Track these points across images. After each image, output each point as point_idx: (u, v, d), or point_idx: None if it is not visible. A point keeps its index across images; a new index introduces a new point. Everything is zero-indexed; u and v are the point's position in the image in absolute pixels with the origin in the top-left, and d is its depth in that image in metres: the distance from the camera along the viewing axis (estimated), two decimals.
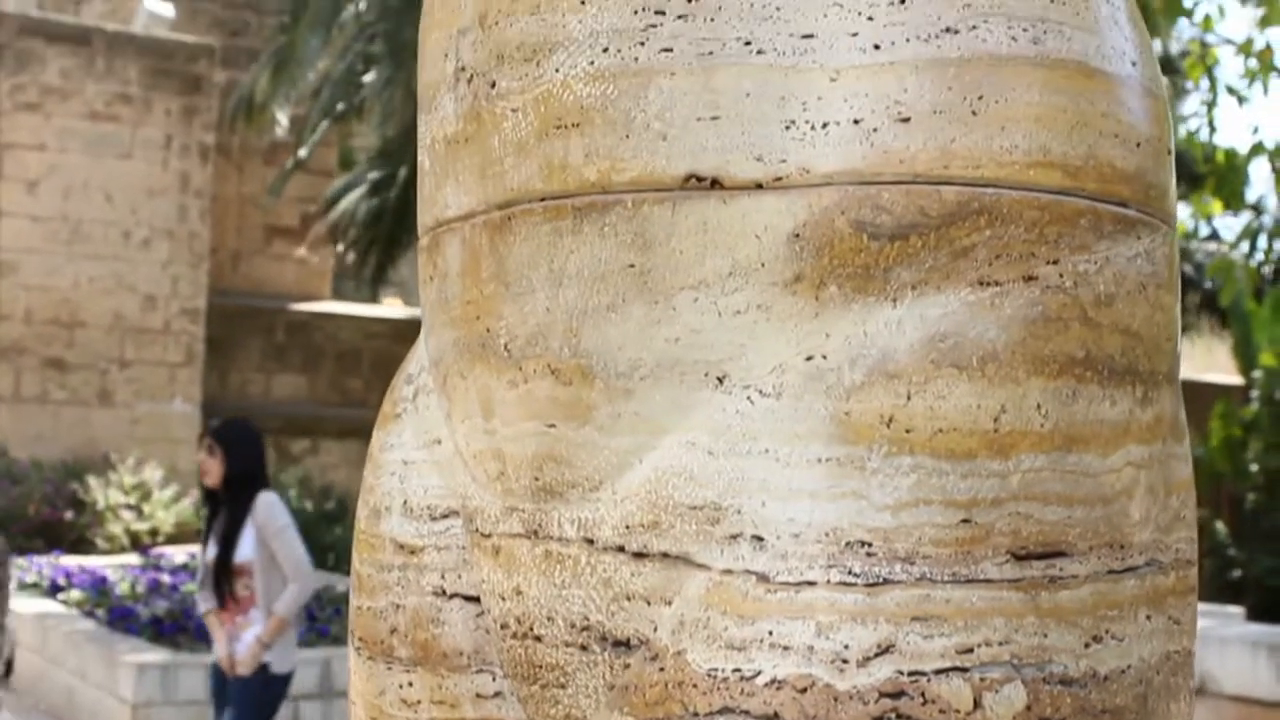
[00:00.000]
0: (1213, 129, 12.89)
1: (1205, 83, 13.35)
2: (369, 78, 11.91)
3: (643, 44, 1.19)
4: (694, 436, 1.18)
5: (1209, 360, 21.11)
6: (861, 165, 1.15)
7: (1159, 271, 1.23)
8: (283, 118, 13.69)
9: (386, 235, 13.23)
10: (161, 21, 15.53)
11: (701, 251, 1.17)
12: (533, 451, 1.27)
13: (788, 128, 1.16)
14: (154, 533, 13.51)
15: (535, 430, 1.27)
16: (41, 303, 14.68)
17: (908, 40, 1.16)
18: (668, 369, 1.19)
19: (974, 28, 1.16)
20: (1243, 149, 11.81)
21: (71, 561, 11.91)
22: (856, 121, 1.15)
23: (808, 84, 1.16)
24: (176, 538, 13.54)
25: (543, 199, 1.24)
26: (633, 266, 1.19)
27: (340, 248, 15.45)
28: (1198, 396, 14.62)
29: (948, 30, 1.16)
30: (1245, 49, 12.10)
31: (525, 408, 1.27)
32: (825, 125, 1.16)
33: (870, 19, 1.16)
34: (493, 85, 1.28)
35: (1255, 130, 14.75)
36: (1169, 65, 14.70)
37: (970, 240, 1.14)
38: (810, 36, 1.17)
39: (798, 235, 1.15)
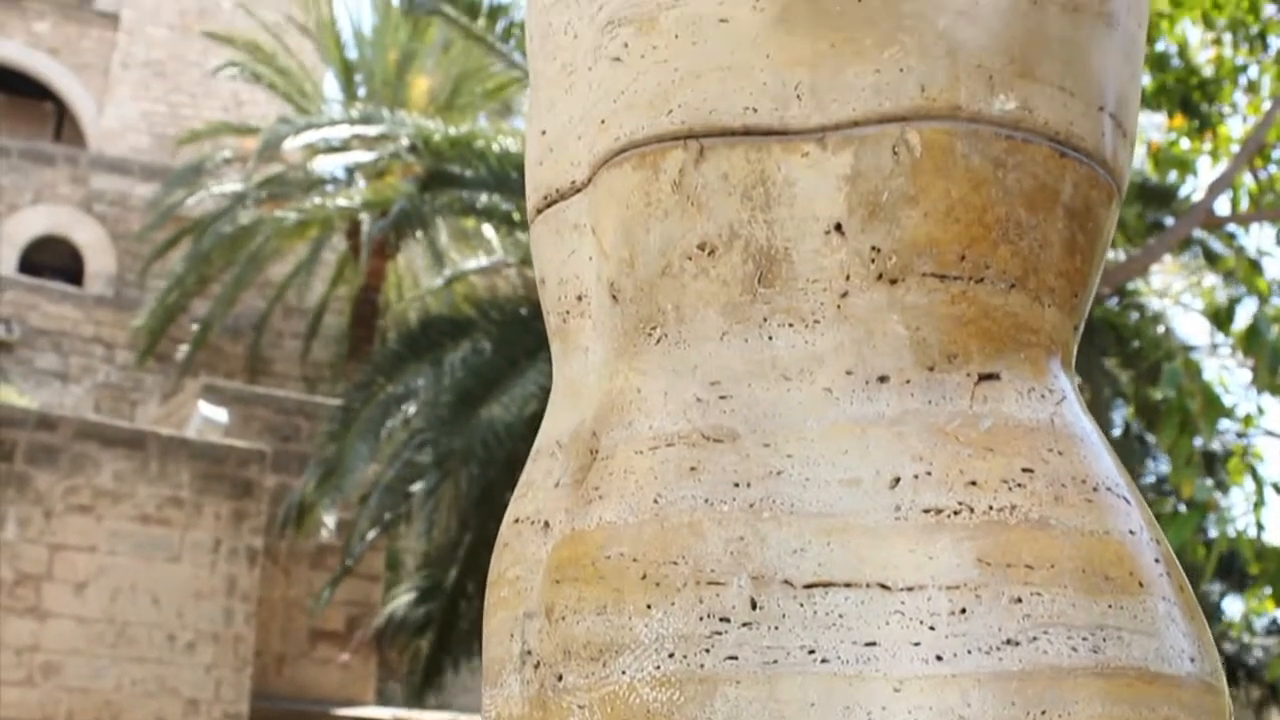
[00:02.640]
0: (1260, 527, 12.85)
1: (1250, 482, 13.38)
2: (416, 486, 12.07)
3: (708, 650, 1.21)
4: None
5: None
6: None
7: None
8: (330, 522, 13.83)
9: (433, 642, 13.19)
10: (215, 426, 15.84)
11: None
12: None
13: None
14: None
15: None
16: (83, 705, 14.56)
17: (969, 651, 1.18)
18: None
19: (1034, 639, 1.18)
20: None
21: None
22: None
23: (871, 694, 1.18)
24: None
25: None
26: None
27: (385, 653, 15.37)
28: None
29: (1009, 642, 1.18)
30: None
31: None
32: None
33: (932, 628, 1.19)
34: (559, 678, 1.30)
35: None
36: (1211, 464, 14.76)
37: None
38: (873, 644, 1.19)
39: None
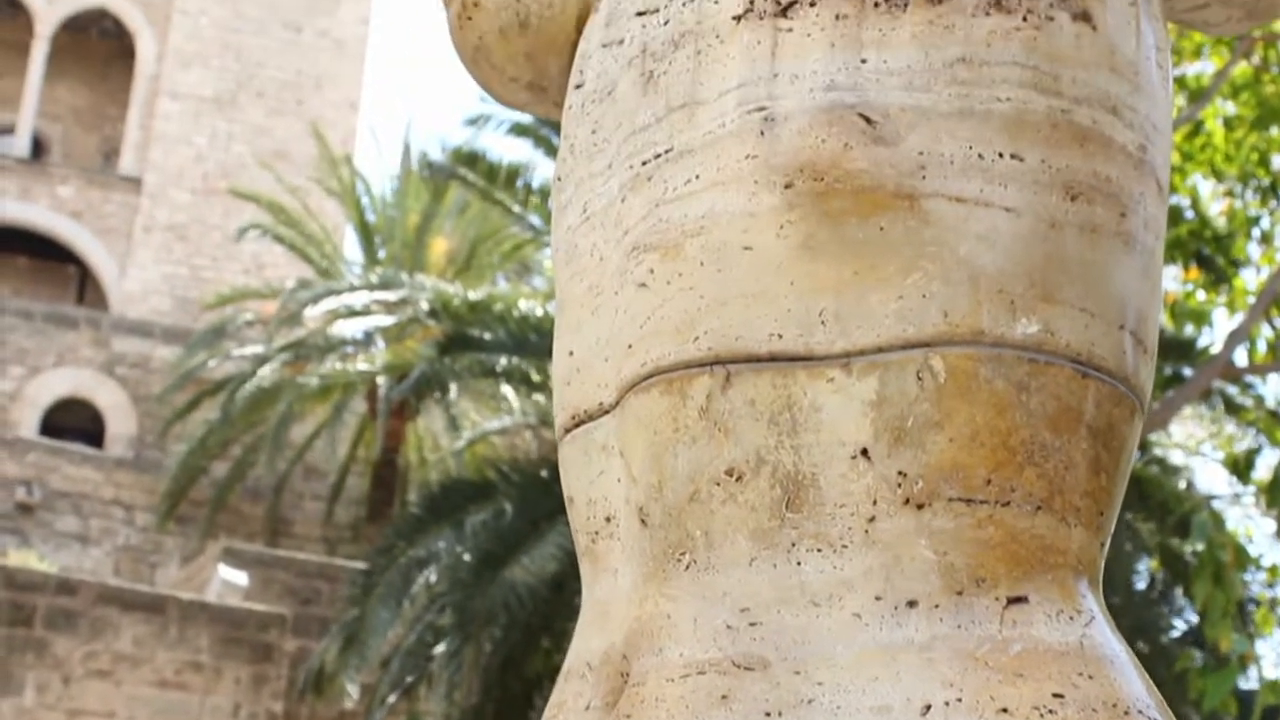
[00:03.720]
0: None
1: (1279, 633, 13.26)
2: (439, 649, 11.99)
3: None
4: None
5: None
6: None
7: None
8: (353, 690, 13.72)
9: None
10: (235, 590, 15.80)
11: None
12: None
13: None
14: None
15: None
16: None
17: None
18: None
19: None
20: None
21: None
22: None
23: None
24: None
25: None
26: None
27: None
28: None
29: None
30: None
31: None
32: None
33: None
34: None
35: None
36: (1239, 615, 14.61)
37: None
38: None
39: None
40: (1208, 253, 12.83)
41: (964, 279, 1.33)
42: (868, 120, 1.36)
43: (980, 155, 1.36)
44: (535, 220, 14.43)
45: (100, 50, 29.61)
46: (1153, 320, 1.46)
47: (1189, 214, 12.82)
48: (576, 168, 1.59)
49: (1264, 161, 12.43)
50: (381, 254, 21.07)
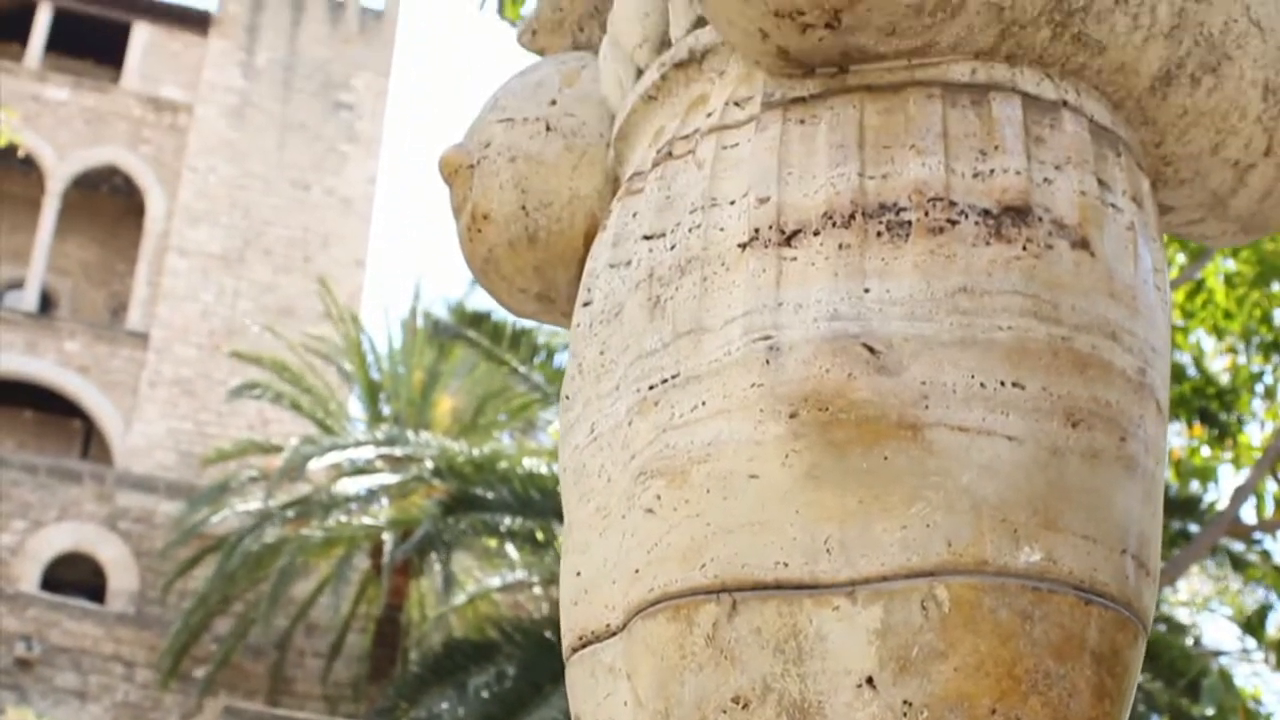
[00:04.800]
0: None
1: None
2: None
3: None
4: None
5: None
6: None
7: None
8: None
9: None
10: None
11: None
12: None
13: None
14: None
15: None
16: None
17: None
18: None
19: None
20: None
21: None
22: None
23: None
24: None
25: None
26: None
27: None
28: None
29: None
30: None
31: None
32: None
33: None
34: None
35: None
36: None
37: None
38: None
39: None
40: (1212, 409, 12.84)
41: (967, 508, 1.35)
42: (871, 350, 1.38)
43: (982, 384, 1.38)
44: (540, 379, 14.47)
45: (110, 207, 29.92)
46: (1155, 542, 1.47)
47: (1192, 371, 12.85)
48: (584, 387, 1.61)
49: (1266, 318, 12.49)
50: (386, 411, 21.09)
